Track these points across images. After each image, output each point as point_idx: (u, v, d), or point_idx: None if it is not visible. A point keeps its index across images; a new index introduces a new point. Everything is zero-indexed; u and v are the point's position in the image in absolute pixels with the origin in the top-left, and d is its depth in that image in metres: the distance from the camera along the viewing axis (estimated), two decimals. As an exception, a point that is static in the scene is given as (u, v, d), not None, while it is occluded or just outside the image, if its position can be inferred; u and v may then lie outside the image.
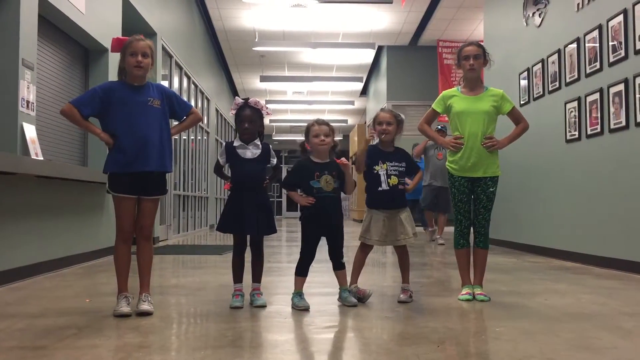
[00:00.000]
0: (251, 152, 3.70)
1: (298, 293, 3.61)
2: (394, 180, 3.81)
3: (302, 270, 3.66)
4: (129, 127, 3.37)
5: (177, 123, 3.72)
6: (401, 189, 3.84)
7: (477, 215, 3.98)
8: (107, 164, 3.43)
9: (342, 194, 3.81)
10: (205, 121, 13.95)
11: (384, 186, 3.81)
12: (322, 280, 4.56)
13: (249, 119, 3.69)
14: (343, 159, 3.70)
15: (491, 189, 3.96)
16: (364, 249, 3.95)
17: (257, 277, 3.75)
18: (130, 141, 3.36)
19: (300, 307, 3.51)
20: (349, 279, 3.81)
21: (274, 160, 3.80)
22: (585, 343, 2.74)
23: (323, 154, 3.69)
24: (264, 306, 3.59)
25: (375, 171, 3.82)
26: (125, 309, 3.30)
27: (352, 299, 3.66)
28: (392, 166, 3.82)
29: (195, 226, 12.81)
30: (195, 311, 3.69)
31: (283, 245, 9.28)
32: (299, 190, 3.72)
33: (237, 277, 3.72)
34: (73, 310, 3.52)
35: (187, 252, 7.92)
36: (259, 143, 3.74)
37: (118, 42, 3.47)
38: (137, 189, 3.42)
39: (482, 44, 4.12)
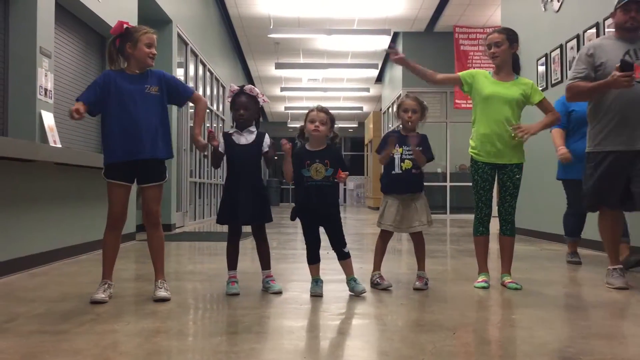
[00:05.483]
0: (245, 138, 3.70)
1: (314, 280, 3.63)
2: (407, 164, 3.80)
3: (310, 258, 3.66)
4: (122, 116, 3.35)
5: (193, 119, 3.68)
6: (415, 173, 3.83)
7: (504, 203, 3.96)
8: (104, 155, 3.44)
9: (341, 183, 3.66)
10: (221, 109, 13.98)
11: (397, 169, 3.81)
12: (336, 267, 4.56)
13: (244, 105, 3.68)
14: (343, 174, 3.53)
15: (517, 176, 3.92)
16: (383, 235, 3.96)
17: (265, 263, 3.76)
18: (122, 130, 3.35)
19: (312, 294, 3.55)
20: (370, 266, 3.79)
21: (266, 148, 3.73)
22: (602, 331, 2.72)
23: (316, 142, 3.63)
24: (279, 292, 3.61)
25: (392, 155, 3.82)
26: (99, 295, 3.30)
27: (360, 287, 3.59)
28: (407, 150, 3.81)
29: (212, 213, 12.86)
30: (211, 297, 3.72)
31: (298, 232, 9.29)
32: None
33: (232, 264, 3.75)
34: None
35: (203, 238, 7.97)
36: (253, 129, 3.73)
37: (120, 26, 3.41)
38: (133, 177, 3.44)
39: (510, 29, 4.03)
